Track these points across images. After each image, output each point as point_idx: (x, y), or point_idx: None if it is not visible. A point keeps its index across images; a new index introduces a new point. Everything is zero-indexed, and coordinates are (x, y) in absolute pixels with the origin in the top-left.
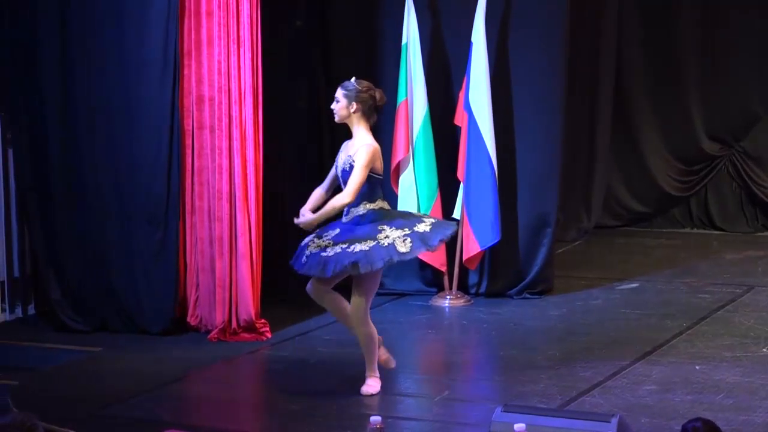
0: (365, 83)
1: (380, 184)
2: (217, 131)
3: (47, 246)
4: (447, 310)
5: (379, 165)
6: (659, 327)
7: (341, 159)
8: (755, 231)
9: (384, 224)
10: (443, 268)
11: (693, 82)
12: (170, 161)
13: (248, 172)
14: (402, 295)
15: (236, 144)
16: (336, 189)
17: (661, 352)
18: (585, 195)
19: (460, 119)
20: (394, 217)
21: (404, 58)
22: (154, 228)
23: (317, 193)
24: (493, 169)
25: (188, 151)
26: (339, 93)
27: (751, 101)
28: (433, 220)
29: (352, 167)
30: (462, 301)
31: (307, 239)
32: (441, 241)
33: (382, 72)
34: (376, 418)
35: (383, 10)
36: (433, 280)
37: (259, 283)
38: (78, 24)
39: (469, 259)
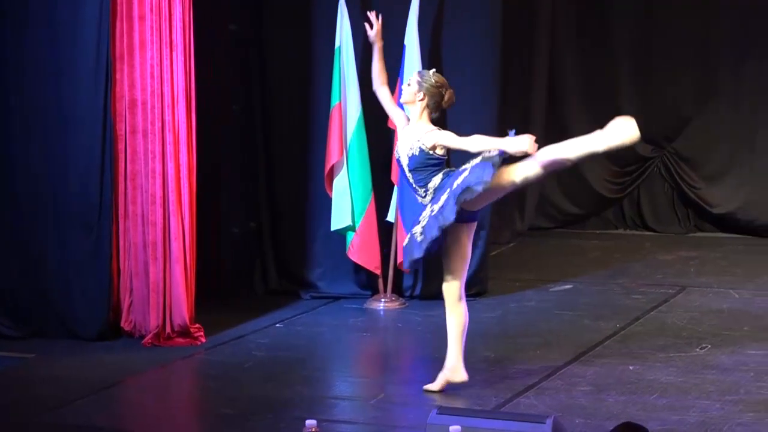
0: (441, 79)
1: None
2: (150, 135)
3: None
4: (382, 312)
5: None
6: (593, 328)
7: (405, 146)
8: (687, 232)
9: (447, 186)
10: (378, 271)
11: (625, 83)
12: (103, 166)
13: (182, 176)
14: (337, 298)
15: (169, 148)
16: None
17: (595, 353)
18: (518, 197)
19: (393, 122)
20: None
21: (337, 61)
22: (87, 233)
23: (379, 79)
24: None
25: (121, 156)
26: (414, 78)
27: (683, 103)
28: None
29: (422, 151)
30: (397, 303)
31: (408, 236)
32: (500, 158)
33: (315, 75)
34: (311, 422)
35: (317, 13)
36: (367, 282)
37: (193, 288)
38: (10, 27)
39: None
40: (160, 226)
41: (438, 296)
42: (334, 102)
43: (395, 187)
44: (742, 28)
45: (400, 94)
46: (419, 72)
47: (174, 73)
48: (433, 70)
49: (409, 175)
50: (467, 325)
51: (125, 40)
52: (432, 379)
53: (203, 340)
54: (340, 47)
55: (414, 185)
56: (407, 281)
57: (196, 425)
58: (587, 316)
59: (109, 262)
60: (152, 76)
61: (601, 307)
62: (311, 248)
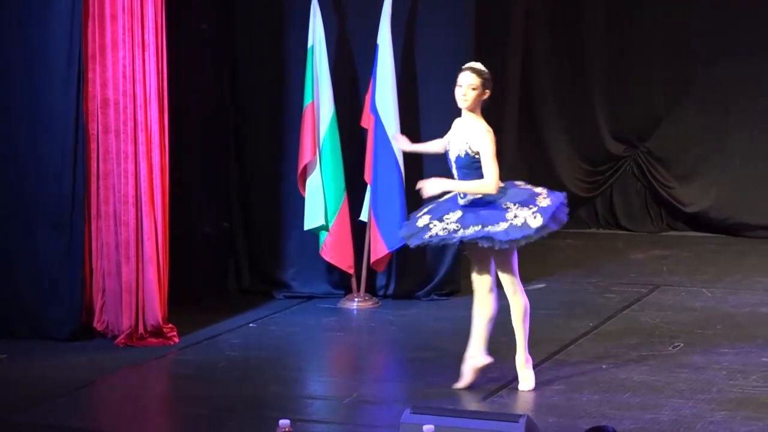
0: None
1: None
2: (122, 135)
3: None
4: (355, 312)
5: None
6: (566, 327)
7: (455, 144)
8: (660, 231)
9: (508, 201)
10: (351, 271)
11: (598, 83)
12: (75, 165)
13: (154, 176)
14: (310, 297)
15: (142, 148)
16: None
17: (568, 352)
18: None
19: (366, 121)
20: (514, 193)
21: (310, 61)
22: (59, 233)
23: (434, 146)
24: (400, 171)
25: (93, 155)
26: (476, 79)
27: (655, 102)
28: (546, 191)
29: (468, 155)
30: (370, 303)
31: (419, 219)
32: (566, 217)
33: (288, 75)
34: (284, 422)
35: (289, 13)
36: (340, 282)
37: (166, 288)
38: None
39: (377, 262)
40: (132, 226)
41: (410, 295)
42: (307, 102)
43: (368, 187)
44: (713, 28)
45: (374, 93)
46: (475, 70)
47: (146, 73)
48: (478, 63)
49: (454, 171)
50: (494, 316)
51: (97, 40)
52: (408, 378)
53: (176, 340)
54: (312, 47)
55: (456, 179)
56: (380, 281)
57: (169, 425)
58: (560, 315)
59: (81, 262)
60: (124, 76)
61: (574, 306)
62: (284, 248)
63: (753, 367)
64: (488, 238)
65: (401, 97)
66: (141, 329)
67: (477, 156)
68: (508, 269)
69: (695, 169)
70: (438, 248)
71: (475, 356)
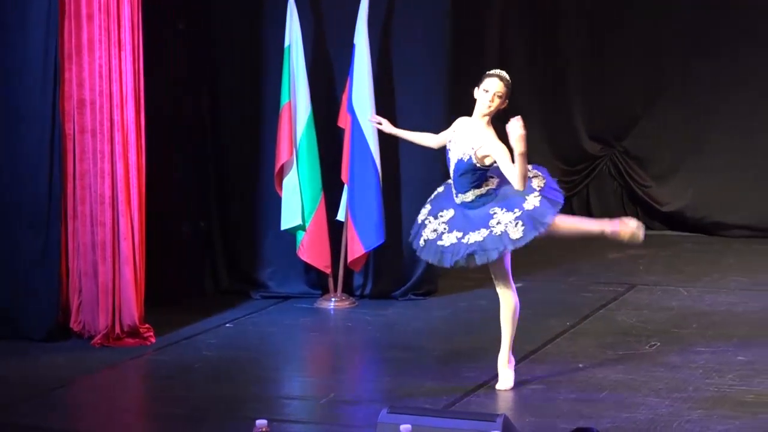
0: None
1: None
2: (98, 135)
3: None
4: (332, 312)
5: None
6: (543, 326)
7: (458, 146)
8: None
9: (495, 206)
10: (328, 270)
11: (575, 82)
12: (51, 165)
13: (131, 176)
14: (287, 297)
15: (118, 148)
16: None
17: (545, 351)
18: None
19: (343, 121)
20: (504, 194)
21: (287, 61)
22: (36, 233)
23: (425, 139)
24: (377, 170)
25: (70, 155)
26: (503, 88)
27: (632, 102)
28: (542, 182)
29: (471, 160)
30: (347, 303)
31: (422, 216)
32: (553, 217)
33: (265, 74)
34: (261, 422)
35: (266, 13)
36: (317, 282)
37: (142, 288)
38: None
39: (354, 261)
40: (109, 226)
41: (387, 295)
42: (284, 101)
43: (345, 186)
44: (690, 28)
45: (350, 93)
46: (502, 80)
47: (123, 73)
48: (497, 71)
49: (451, 174)
50: (517, 311)
51: (74, 40)
52: (385, 377)
53: (153, 340)
54: (289, 46)
55: (454, 184)
56: (357, 280)
57: (146, 426)
58: (537, 314)
59: (58, 262)
60: (101, 76)
61: (551, 305)
62: (261, 248)
63: (729, 365)
64: (470, 255)
65: (378, 97)
66: (117, 329)
67: (481, 162)
68: (499, 268)
69: (672, 168)
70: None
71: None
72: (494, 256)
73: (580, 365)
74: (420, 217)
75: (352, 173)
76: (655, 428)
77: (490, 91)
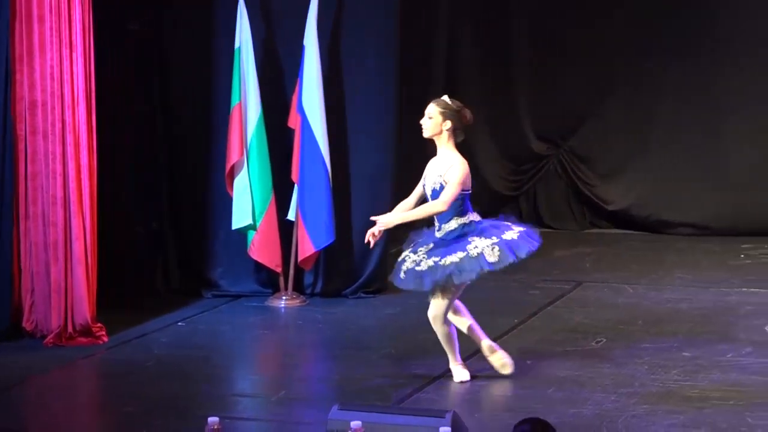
0: (457, 102)
1: (470, 198)
2: (50, 136)
3: None
4: (283, 310)
5: (469, 181)
6: (491, 323)
7: (430, 179)
8: (582, 228)
9: (474, 235)
10: (278, 269)
11: (522, 83)
12: (3, 167)
13: (82, 176)
14: (238, 296)
15: (70, 149)
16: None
17: None
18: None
19: (293, 122)
20: (485, 228)
21: (237, 62)
22: None
23: (403, 206)
24: (327, 170)
25: (21, 157)
26: (434, 110)
27: (578, 102)
28: (521, 229)
29: (442, 187)
30: (298, 301)
31: (403, 254)
32: (528, 254)
33: (215, 75)
34: (213, 419)
35: (216, 14)
36: (268, 281)
37: (95, 287)
38: None
39: (304, 260)
40: (61, 226)
41: (337, 294)
42: (234, 102)
43: (295, 186)
44: (635, 29)
45: (300, 94)
46: (435, 102)
47: (74, 74)
48: (446, 96)
49: None
50: (469, 320)
51: (24, 42)
52: (335, 375)
53: (105, 339)
54: (239, 48)
55: (437, 218)
56: (308, 279)
57: (98, 424)
58: (486, 311)
59: (10, 262)
60: (52, 78)
61: (499, 303)
62: (213, 247)
63: (673, 361)
64: (448, 276)
65: (327, 98)
66: (70, 329)
67: None
68: (444, 295)
69: (617, 167)
70: (367, 249)
71: (484, 349)
72: (471, 276)
73: (528, 361)
74: (400, 258)
75: (302, 173)
76: (601, 423)
77: (425, 115)
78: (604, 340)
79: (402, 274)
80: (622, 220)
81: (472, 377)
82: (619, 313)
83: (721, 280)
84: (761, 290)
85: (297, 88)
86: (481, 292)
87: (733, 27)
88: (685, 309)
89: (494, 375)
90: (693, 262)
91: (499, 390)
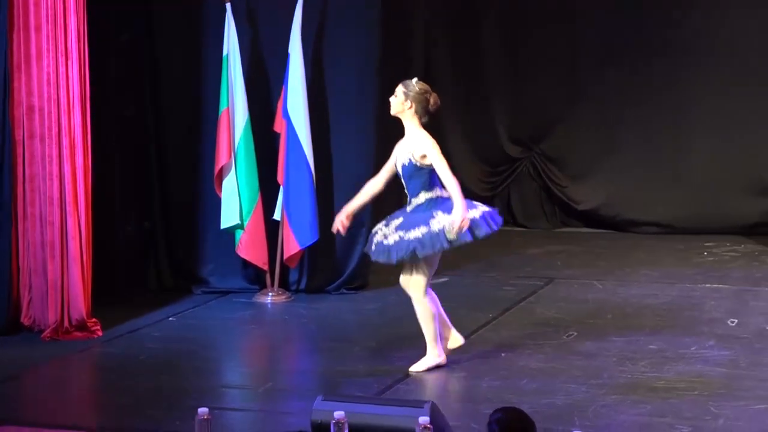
0: (423, 86)
1: (436, 174)
2: (47, 140)
3: None
4: (269, 306)
5: None
6: (467, 318)
7: (400, 156)
8: (554, 227)
9: (438, 209)
10: (265, 267)
11: (496, 89)
12: (2, 170)
13: (78, 178)
14: (226, 292)
15: (66, 152)
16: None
17: (470, 342)
18: (398, 194)
19: (279, 126)
20: (450, 204)
21: (225, 69)
22: None
23: (373, 186)
24: (311, 172)
25: (19, 160)
26: (399, 89)
27: (549, 106)
28: (486, 209)
29: (411, 162)
30: (283, 297)
31: (376, 227)
32: (487, 233)
33: (204, 81)
34: (203, 410)
35: (205, 23)
36: (255, 277)
37: (90, 284)
38: None
39: (290, 258)
40: (57, 226)
41: (321, 290)
42: (223, 107)
43: (281, 187)
44: (606, 33)
45: (285, 99)
46: (403, 83)
47: (69, 81)
48: (416, 78)
49: (404, 183)
50: (436, 313)
51: (22, 50)
52: (320, 367)
53: (100, 333)
54: (227, 55)
55: (407, 191)
56: (293, 276)
57: (93, 415)
58: (462, 306)
59: (9, 261)
60: (49, 84)
61: (475, 299)
62: (202, 246)
63: (641, 354)
64: (412, 251)
65: (311, 103)
66: (66, 324)
67: (420, 162)
68: (422, 270)
69: (587, 169)
70: (350, 248)
71: (447, 338)
72: (432, 250)
73: (503, 354)
74: (373, 230)
75: (288, 175)
76: (572, 412)
77: (393, 95)
78: (575, 333)
79: (373, 246)
80: (592, 219)
81: (449, 370)
82: (588, 308)
83: (686, 277)
84: (723, 286)
85: (282, 94)
86: (458, 288)
87: (696, 32)
88: (651, 304)
89: (472, 367)
90: (658, 259)
91: (475, 381)
